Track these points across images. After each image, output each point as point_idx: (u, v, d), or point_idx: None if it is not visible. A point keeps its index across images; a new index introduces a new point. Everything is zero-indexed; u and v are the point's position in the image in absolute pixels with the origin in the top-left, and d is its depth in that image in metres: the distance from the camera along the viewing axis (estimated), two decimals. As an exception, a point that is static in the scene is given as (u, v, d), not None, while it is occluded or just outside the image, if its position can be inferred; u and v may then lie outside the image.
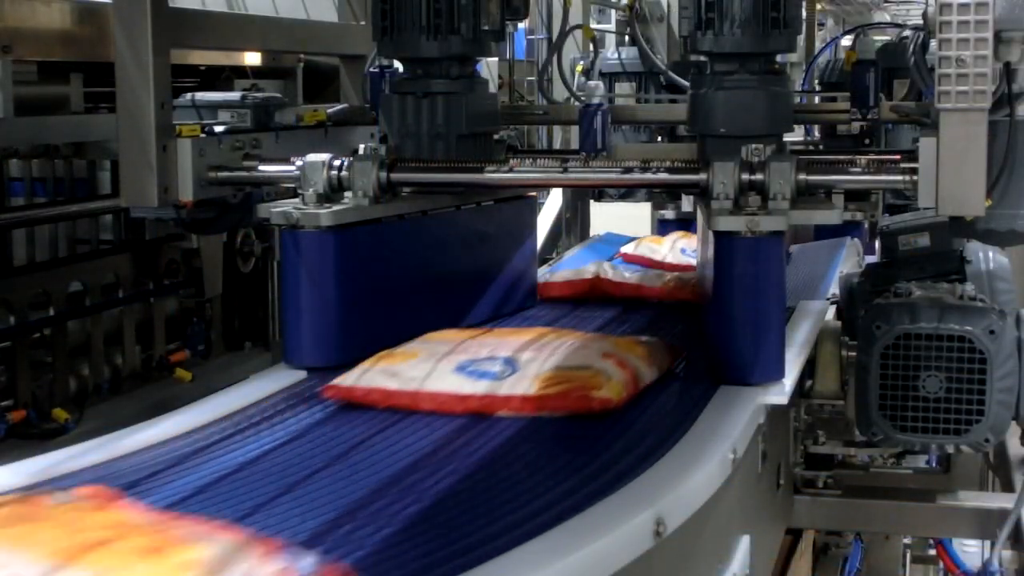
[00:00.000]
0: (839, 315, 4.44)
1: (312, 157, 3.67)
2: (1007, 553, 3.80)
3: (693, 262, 5.20)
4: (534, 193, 4.65)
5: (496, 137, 4.45)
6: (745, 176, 3.38)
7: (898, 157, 3.49)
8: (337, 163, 3.66)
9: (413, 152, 4.06)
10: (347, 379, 3.24)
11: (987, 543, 4.22)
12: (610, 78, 6.50)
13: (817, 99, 6.06)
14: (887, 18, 17.14)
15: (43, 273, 4.84)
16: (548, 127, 8.95)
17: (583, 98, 5.18)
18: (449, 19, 4.02)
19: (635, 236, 6.60)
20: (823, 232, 6.48)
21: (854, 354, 3.82)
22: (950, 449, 3.80)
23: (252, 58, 6.01)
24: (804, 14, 5.34)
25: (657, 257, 5.61)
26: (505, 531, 2.24)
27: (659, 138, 6.42)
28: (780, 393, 3.27)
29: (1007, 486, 4.33)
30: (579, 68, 6.63)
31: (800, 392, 3.87)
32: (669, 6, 7.43)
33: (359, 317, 3.62)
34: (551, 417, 3.05)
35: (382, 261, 3.72)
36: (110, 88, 3.90)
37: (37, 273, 4.85)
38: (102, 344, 4.98)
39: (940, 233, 4.33)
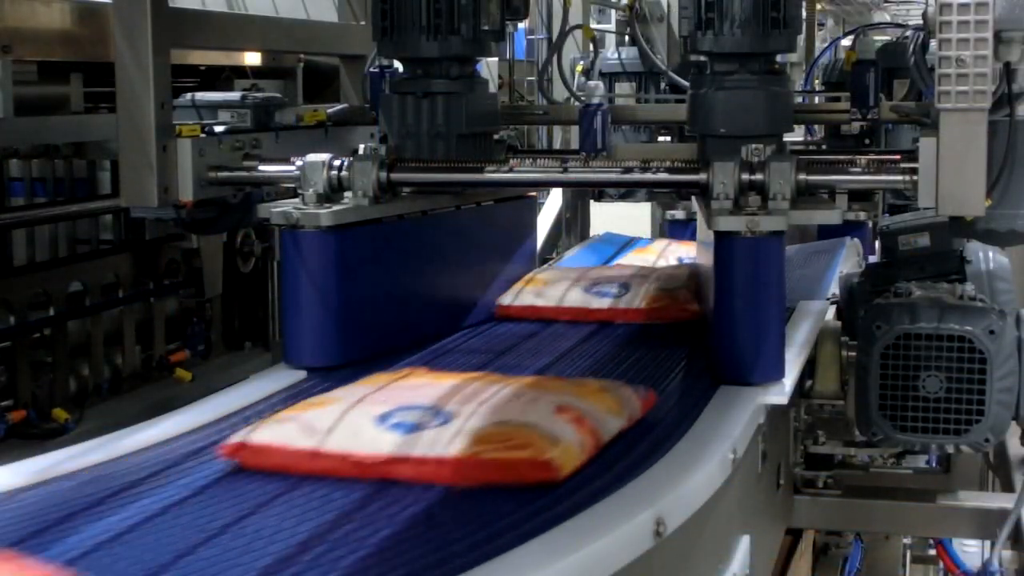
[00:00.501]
0: (839, 315, 4.44)
1: (312, 157, 3.67)
2: (1007, 553, 3.80)
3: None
4: (534, 193, 4.65)
5: (496, 137, 4.45)
6: (745, 176, 3.38)
7: (898, 157, 3.49)
8: (337, 163, 3.66)
9: (413, 152, 4.06)
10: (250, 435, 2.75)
11: (987, 543, 4.22)
12: (610, 78, 6.51)
13: (818, 99, 6.06)
14: (887, 18, 17.14)
15: (43, 273, 4.84)
16: (548, 127, 8.95)
17: (583, 98, 5.18)
18: (449, 19, 4.02)
19: (635, 236, 6.61)
20: (826, 232, 6.48)
21: (854, 354, 3.82)
22: (950, 449, 3.80)
23: (252, 58, 6.01)
24: (804, 14, 5.34)
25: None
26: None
27: (668, 138, 6.41)
28: (780, 393, 3.27)
29: (1007, 486, 4.33)
30: (579, 68, 6.63)
31: (800, 392, 3.87)
32: (669, 6, 7.43)
33: (359, 317, 3.62)
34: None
35: (382, 261, 3.72)
36: (110, 88, 3.90)
37: (37, 273, 4.85)
38: (102, 344, 4.98)
39: (940, 233, 4.33)
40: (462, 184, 3.95)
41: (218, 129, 4.11)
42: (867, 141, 6.08)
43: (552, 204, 7.23)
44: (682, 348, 3.78)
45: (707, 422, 2.97)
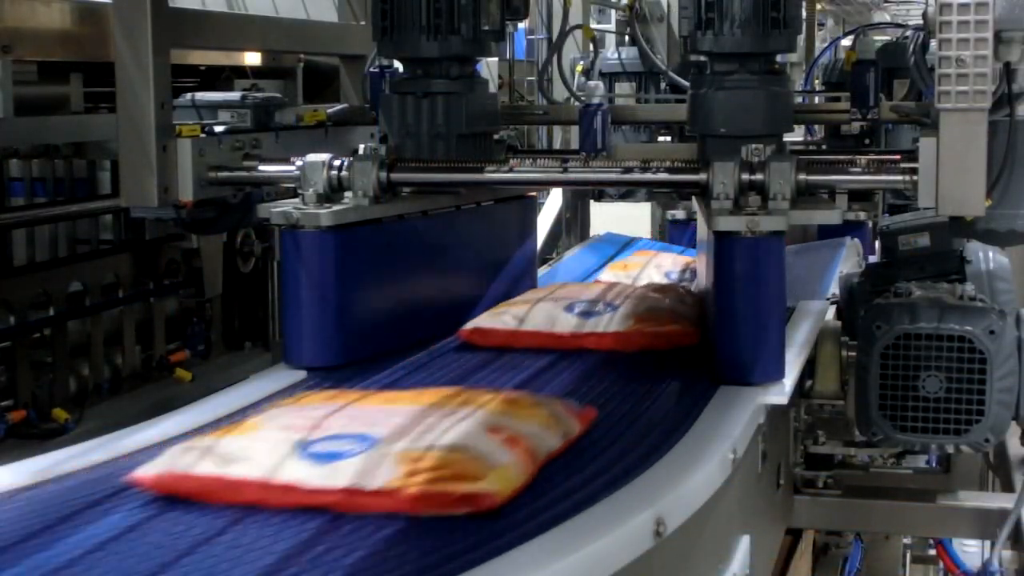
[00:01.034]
0: (839, 315, 4.44)
1: (312, 157, 3.67)
2: (1007, 553, 3.80)
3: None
4: (534, 193, 4.65)
5: (496, 137, 4.45)
6: (745, 176, 3.38)
7: (898, 157, 3.49)
8: (337, 163, 3.66)
9: (413, 152, 4.06)
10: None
11: (987, 543, 4.22)
12: (610, 78, 6.51)
13: (818, 99, 6.06)
14: (887, 18, 17.14)
15: (43, 273, 4.84)
16: (548, 127, 8.95)
17: (583, 98, 5.18)
18: (449, 19, 4.02)
19: (635, 236, 6.61)
20: (826, 232, 6.48)
21: (854, 354, 3.82)
22: (950, 449, 3.80)
23: (252, 58, 6.01)
24: (804, 14, 5.34)
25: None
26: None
27: (668, 138, 6.42)
28: (780, 393, 3.27)
29: (1007, 486, 4.33)
30: (579, 68, 6.63)
31: (800, 392, 3.86)
32: (669, 6, 7.43)
33: (359, 317, 3.62)
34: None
35: (382, 261, 3.72)
36: (110, 88, 3.90)
37: (37, 273, 4.85)
38: (102, 344, 4.98)
39: (940, 233, 4.33)
40: (462, 184, 3.95)
41: (218, 129, 4.11)
42: (867, 141, 6.09)
43: (552, 204, 7.23)
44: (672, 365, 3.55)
45: (707, 422, 2.97)
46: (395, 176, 3.71)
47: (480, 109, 4.19)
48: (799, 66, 8.58)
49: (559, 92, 5.80)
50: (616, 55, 6.73)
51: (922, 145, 3.31)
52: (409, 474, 2.34)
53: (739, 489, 3.02)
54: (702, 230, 4.03)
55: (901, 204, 5.83)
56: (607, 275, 5.32)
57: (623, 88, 6.45)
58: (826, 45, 8.65)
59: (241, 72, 6.01)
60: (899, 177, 3.43)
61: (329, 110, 4.74)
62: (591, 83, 5.77)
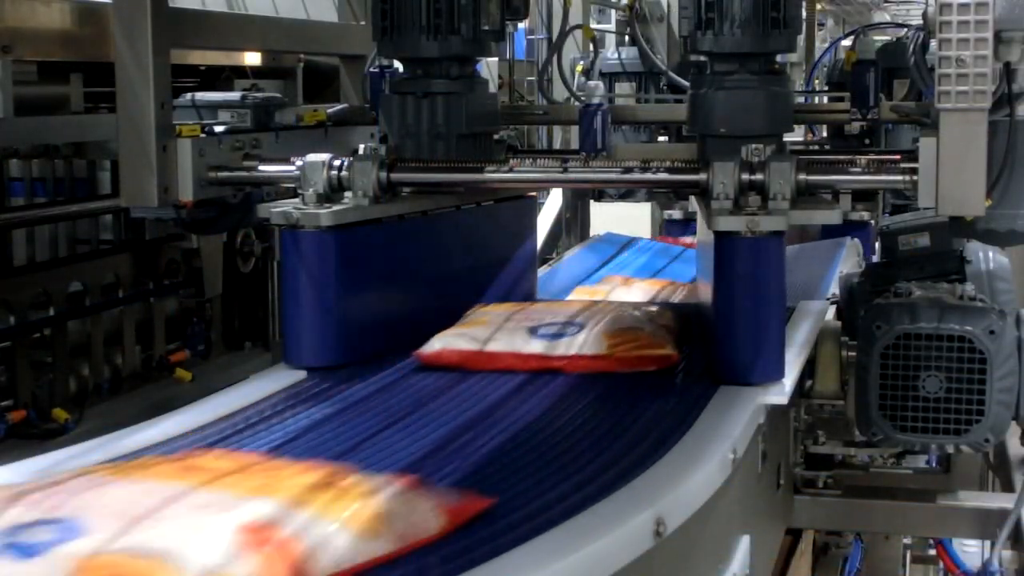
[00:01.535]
0: (839, 315, 4.44)
1: (312, 157, 3.66)
2: (1007, 553, 3.80)
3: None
4: (534, 193, 4.65)
5: (496, 137, 4.45)
6: (745, 176, 3.38)
7: (898, 157, 3.50)
8: (337, 163, 3.65)
9: (413, 152, 4.06)
10: None
11: (987, 543, 4.22)
12: (610, 78, 6.51)
13: (819, 99, 6.07)
14: (887, 18, 17.15)
15: (43, 273, 4.84)
16: (548, 127, 8.96)
17: (583, 98, 5.18)
18: (449, 19, 4.02)
19: (635, 236, 6.61)
20: (828, 232, 6.48)
21: (854, 354, 3.82)
22: (950, 449, 3.80)
23: (252, 58, 6.01)
24: (804, 14, 5.34)
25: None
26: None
27: (665, 138, 6.42)
28: (780, 393, 3.27)
29: (1007, 486, 4.33)
30: (579, 68, 6.64)
31: (800, 392, 3.86)
32: (669, 6, 7.43)
33: (359, 317, 3.62)
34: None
35: (382, 261, 3.72)
36: (110, 88, 3.90)
37: (37, 273, 4.85)
38: (102, 344, 4.98)
39: (940, 233, 4.33)
40: (462, 184, 3.95)
41: (218, 129, 4.12)
42: (867, 141, 6.09)
43: (552, 204, 7.24)
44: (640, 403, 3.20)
45: (707, 422, 2.97)
46: (395, 176, 3.71)
47: (480, 109, 4.19)
48: (799, 66, 8.59)
49: (559, 92, 5.80)
50: (616, 55, 6.73)
51: (922, 145, 3.31)
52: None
53: (739, 489, 3.02)
54: (702, 230, 4.03)
55: (902, 204, 5.83)
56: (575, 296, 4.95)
57: (623, 88, 6.46)
58: (827, 46, 8.65)
59: (241, 72, 6.01)
60: (899, 177, 3.43)
61: (329, 110, 4.74)
62: (591, 83, 5.76)
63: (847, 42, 6.44)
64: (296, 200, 3.68)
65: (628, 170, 3.72)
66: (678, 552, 2.56)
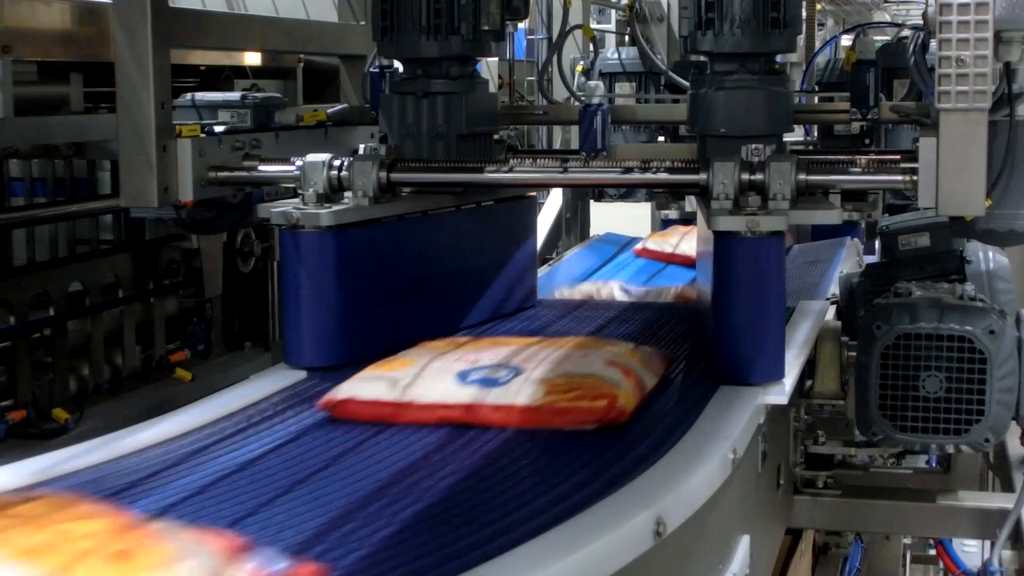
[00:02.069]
0: (839, 315, 4.44)
1: (312, 157, 3.67)
2: (1007, 553, 3.80)
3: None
4: (534, 193, 4.65)
5: (496, 137, 4.45)
6: (745, 176, 3.38)
7: (898, 157, 3.50)
8: (337, 163, 3.66)
9: (413, 152, 4.06)
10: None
11: (987, 543, 4.22)
12: (610, 78, 6.51)
13: (816, 99, 6.06)
14: (887, 18, 17.15)
15: (43, 273, 4.84)
16: (548, 127, 8.95)
17: (583, 98, 5.18)
18: (449, 19, 4.02)
19: (635, 236, 6.61)
20: (821, 232, 6.48)
21: (854, 354, 3.82)
22: (950, 449, 3.80)
23: (252, 58, 6.01)
24: (804, 14, 5.34)
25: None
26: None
27: (662, 138, 6.42)
28: (780, 393, 3.27)
29: (1007, 486, 4.33)
30: (579, 68, 6.63)
31: (800, 392, 3.86)
32: (669, 6, 7.43)
33: (359, 317, 3.62)
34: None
35: (382, 261, 3.72)
36: (110, 88, 3.90)
37: (37, 273, 4.85)
38: (102, 344, 4.98)
39: (940, 233, 4.33)
40: (462, 184, 3.95)
41: (218, 129, 4.12)
42: (867, 141, 6.08)
43: (552, 204, 7.24)
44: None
45: (707, 422, 2.97)
46: (395, 176, 3.71)
47: (480, 109, 4.19)
48: (799, 66, 8.58)
49: (559, 92, 5.79)
50: (616, 55, 6.72)
51: (922, 145, 3.31)
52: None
53: (739, 489, 3.02)
54: (702, 230, 4.03)
55: (901, 204, 5.82)
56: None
57: (623, 88, 6.45)
58: (822, 45, 8.64)
59: (241, 72, 6.01)
60: (899, 177, 3.43)
61: (329, 110, 4.75)
62: (591, 83, 5.78)
63: (846, 41, 6.43)
64: (296, 200, 3.68)
65: (628, 170, 3.72)
66: (678, 552, 2.56)
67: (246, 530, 2.30)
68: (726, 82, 3.91)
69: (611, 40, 10.37)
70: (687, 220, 6.76)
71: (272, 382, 3.40)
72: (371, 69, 4.69)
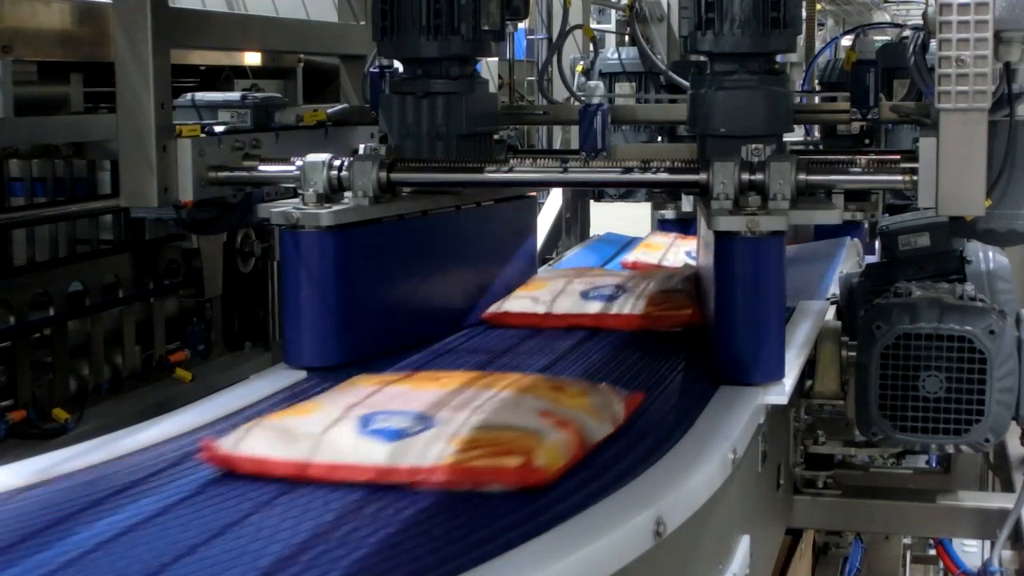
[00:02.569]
0: (839, 315, 4.44)
1: (312, 157, 3.67)
2: (1007, 553, 3.80)
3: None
4: (534, 193, 4.65)
5: (496, 137, 4.45)
6: (745, 176, 3.38)
7: (898, 157, 3.50)
8: (337, 163, 3.66)
9: (413, 152, 4.06)
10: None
11: (987, 543, 4.22)
12: (610, 78, 6.51)
13: (817, 99, 6.06)
14: (887, 18, 17.15)
15: (43, 273, 4.84)
16: (548, 127, 8.95)
17: (583, 98, 5.18)
18: (449, 19, 4.02)
19: (635, 236, 6.62)
20: (823, 232, 6.48)
21: (854, 354, 3.82)
22: (950, 449, 3.80)
23: (252, 58, 6.01)
24: (804, 14, 5.34)
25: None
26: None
27: (659, 138, 6.42)
28: (780, 393, 3.27)
29: (1007, 486, 4.33)
30: (579, 68, 6.63)
31: (800, 392, 3.87)
32: (669, 6, 7.43)
33: (359, 317, 3.62)
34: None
35: (382, 261, 3.72)
36: (110, 88, 3.90)
37: (37, 273, 4.85)
38: (102, 344, 4.98)
39: (940, 233, 4.33)
40: (462, 184, 3.95)
41: (218, 129, 4.12)
42: (867, 141, 6.08)
43: (552, 204, 7.24)
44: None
45: (707, 422, 2.97)
46: (395, 176, 3.71)
47: (480, 109, 4.19)
48: (799, 66, 8.58)
49: (559, 92, 5.79)
50: (616, 55, 6.73)
51: (922, 145, 3.31)
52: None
53: (739, 489, 3.02)
54: (702, 230, 4.04)
55: (901, 204, 5.83)
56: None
57: (623, 88, 6.45)
58: (823, 45, 8.65)
59: (241, 72, 6.01)
60: (899, 177, 3.43)
61: (329, 110, 4.75)
62: (591, 83, 5.78)
63: (847, 41, 6.44)
64: (296, 200, 3.68)
65: (628, 170, 3.72)
66: (678, 552, 2.56)
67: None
68: (726, 82, 3.91)
69: (611, 40, 10.37)
70: (684, 220, 6.76)
71: (272, 382, 3.40)
72: (371, 69, 4.69)
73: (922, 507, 4.12)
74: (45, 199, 5.31)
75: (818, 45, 9.41)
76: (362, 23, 5.57)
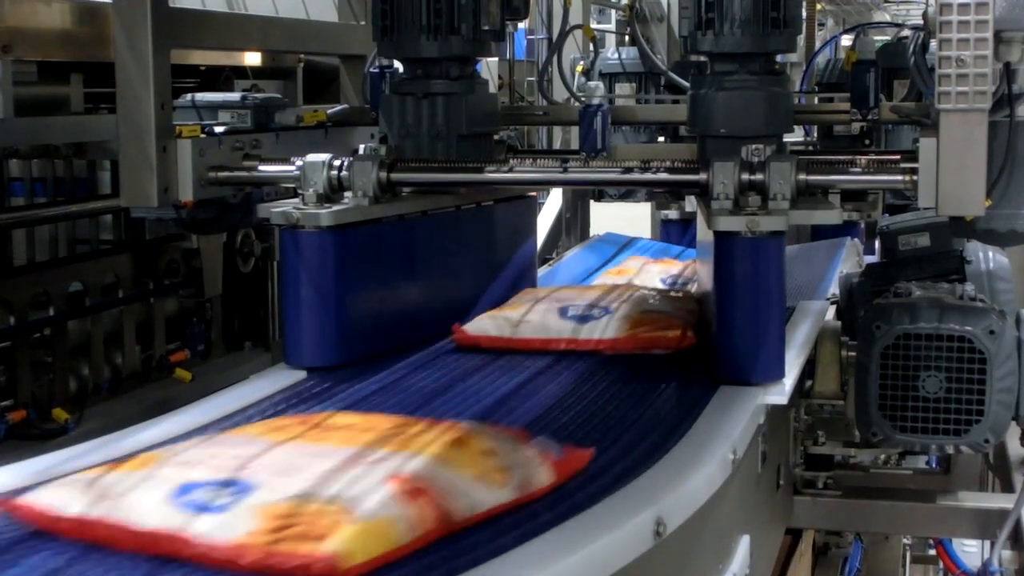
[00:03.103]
0: (839, 315, 4.44)
1: (312, 157, 3.67)
2: (1007, 553, 3.80)
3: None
4: (534, 193, 4.65)
5: (496, 137, 4.45)
6: (745, 176, 3.38)
7: (898, 157, 3.50)
8: (337, 163, 3.66)
9: (413, 152, 4.06)
10: None
11: (987, 543, 4.22)
12: (610, 78, 6.50)
13: (816, 99, 6.06)
14: (887, 18, 17.14)
15: (43, 273, 4.84)
16: (548, 127, 8.95)
17: (583, 98, 5.18)
18: (449, 19, 4.02)
19: (634, 236, 6.61)
20: (821, 232, 6.48)
21: (854, 354, 3.82)
22: (950, 449, 3.80)
23: (252, 58, 6.01)
24: (804, 14, 5.33)
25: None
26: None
27: (661, 138, 6.42)
28: (780, 393, 3.27)
29: (1007, 486, 4.33)
30: (579, 68, 6.63)
31: (800, 392, 3.87)
32: (669, 6, 7.43)
33: (359, 317, 3.62)
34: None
35: (382, 261, 3.72)
36: (110, 88, 3.90)
37: (37, 273, 4.85)
38: (102, 344, 4.98)
39: (940, 233, 4.33)
40: (462, 184, 3.95)
41: (218, 129, 4.12)
42: (867, 141, 6.08)
43: (552, 204, 7.24)
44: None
45: (707, 422, 2.97)
46: (395, 176, 3.71)
47: (480, 109, 4.19)
48: (799, 66, 8.58)
49: (559, 92, 5.79)
50: (616, 55, 6.72)
51: (922, 145, 3.31)
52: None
53: (739, 489, 3.02)
54: (702, 230, 4.03)
55: (901, 204, 5.83)
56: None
57: (623, 88, 6.45)
58: (822, 44, 8.64)
59: (241, 72, 6.02)
60: (899, 177, 3.43)
61: (329, 110, 4.75)
62: (591, 83, 5.77)
63: (846, 41, 6.43)
64: (296, 200, 3.68)
65: (628, 170, 3.72)
66: (678, 552, 2.56)
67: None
68: (726, 82, 3.91)
69: (611, 40, 10.37)
70: (687, 220, 6.75)
71: (272, 382, 3.40)
72: (371, 69, 4.69)
73: (922, 507, 4.12)
74: (45, 199, 5.31)
75: (818, 45, 9.41)
76: (362, 23, 5.57)
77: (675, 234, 6.80)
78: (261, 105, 4.37)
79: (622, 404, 3.16)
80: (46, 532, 2.24)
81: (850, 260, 5.76)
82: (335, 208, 3.58)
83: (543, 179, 3.94)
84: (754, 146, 3.42)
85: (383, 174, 3.67)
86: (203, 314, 5.62)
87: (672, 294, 4.32)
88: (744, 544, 2.99)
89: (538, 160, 3.90)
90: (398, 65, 4.49)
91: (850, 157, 3.57)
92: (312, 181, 3.62)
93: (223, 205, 4.12)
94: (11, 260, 5.07)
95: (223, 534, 2.08)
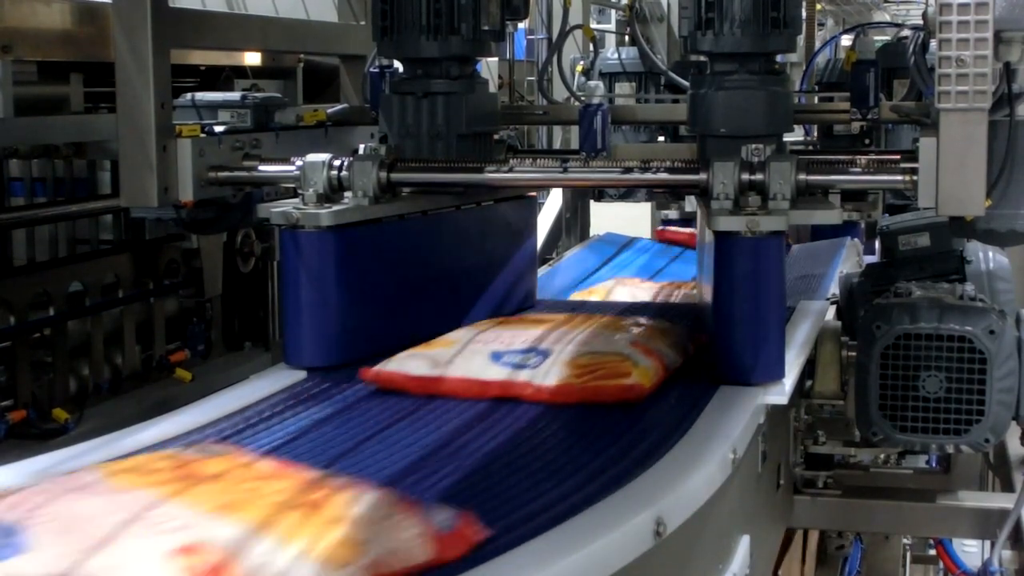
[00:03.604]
0: (839, 315, 4.44)
1: (312, 157, 3.67)
2: (1007, 553, 3.80)
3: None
4: (534, 193, 4.65)
5: (496, 137, 4.45)
6: (745, 176, 3.38)
7: (898, 157, 3.50)
8: (337, 163, 3.65)
9: (413, 152, 4.06)
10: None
11: (987, 543, 4.22)
12: (610, 78, 6.51)
13: (816, 99, 6.06)
14: (887, 18, 17.15)
15: (43, 273, 4.84)
16: (548, 127, 8.95)
17: (583, 98, 5.18)
18: (449, 19, 4.02)
19: (634, 236, 6.61)
20: (821, 232, 6.48)
21: (854, 354, 3.82)
22: (950, 449, 3.80)
23: (252, 58, 6.02)
24: (804, 14, 5.33)
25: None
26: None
27: (661, 138, 6.42)
28: (780, 393, 3.27)
29: (1007, 486, 4.33)
30: (579, 68, 6.63)
31: (800, 392, 3.86)
32: (669, 6, 7.43)
33: (359, 317, 3.62)
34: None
35: (382, 261, 3.72)
36: (110, 88, 3.90)
37: (37, 273, 4.85)
38: (102, 344, 4.98)
39: (940, 233, 4.33)
40: (462, 184, 3.95)
41: (218, 129, 4.12)
42: (867, 141, 6.08)
43: (552, 204, 7.24)
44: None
45: (707, 422, 2.97)
46: (395, 176, 3.71)
47: (480, 109, 4.19)
48: (799, 66, 8.58)
49: (559, 92, 5.79)
50: (616, 55, 6.72)
51: (922, 145, 3.31)
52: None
53: (739, 489, 3.02)
54: (702, 230, 4.03)
55: (901, 204, 5.83)
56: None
57: (623, 88, 6.45)
58: (822, 44, 8.64)
59: (241, 72, 6.02)
60: (899, 177, 3.43)
61: (329, 110, 4.75)
62: (591, 83, 5.78)
63: (846, 41, 6.43)
64: (296, 200, 3.68)
65: (628, 170, 3.72)
66: (678, 552, 2.56)
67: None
68: (726, 82, 3.91)
69: (611, 40, 10.37)
70: (687, 220, 6.76)
71: (272, 382, 3.40)
72: (371, 69, 4.69)
73: (922, 507, 4.12)
74: (45, 199, 5.31)
75: (818, 45, 9.41)
76: (362, 23, 5.57)
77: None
78: (261, 105, 4.37)
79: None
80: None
81: (850, 260, 5.76)
82: (335, 208, 3.58)
83: (543, 179, 3.94)
84: (754, 146, 3.42)
85: (383, 174, 3.67)
86: (203, 314, 5.62)
87: (636, 327, 3.59)
88: (744, 544, 2.99)
89: (538, 160, 3.91)
90: (398, 65, 4.49)
91: (850, 157, 3.57)
92: (312, 181, 3.62)
93: (223, 205, 4.12)
94: (11, 260, 5.07)
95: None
